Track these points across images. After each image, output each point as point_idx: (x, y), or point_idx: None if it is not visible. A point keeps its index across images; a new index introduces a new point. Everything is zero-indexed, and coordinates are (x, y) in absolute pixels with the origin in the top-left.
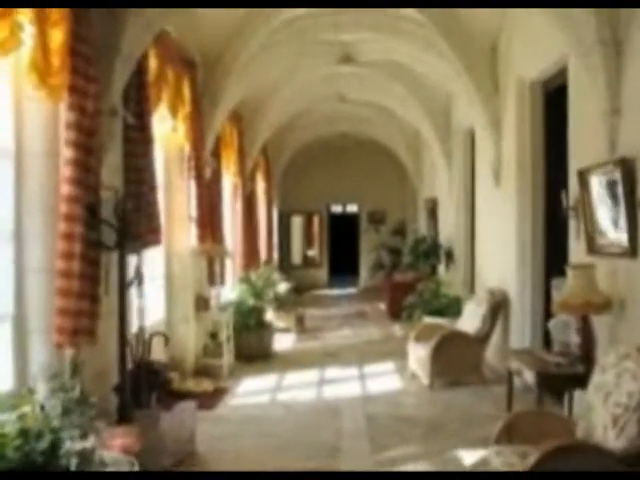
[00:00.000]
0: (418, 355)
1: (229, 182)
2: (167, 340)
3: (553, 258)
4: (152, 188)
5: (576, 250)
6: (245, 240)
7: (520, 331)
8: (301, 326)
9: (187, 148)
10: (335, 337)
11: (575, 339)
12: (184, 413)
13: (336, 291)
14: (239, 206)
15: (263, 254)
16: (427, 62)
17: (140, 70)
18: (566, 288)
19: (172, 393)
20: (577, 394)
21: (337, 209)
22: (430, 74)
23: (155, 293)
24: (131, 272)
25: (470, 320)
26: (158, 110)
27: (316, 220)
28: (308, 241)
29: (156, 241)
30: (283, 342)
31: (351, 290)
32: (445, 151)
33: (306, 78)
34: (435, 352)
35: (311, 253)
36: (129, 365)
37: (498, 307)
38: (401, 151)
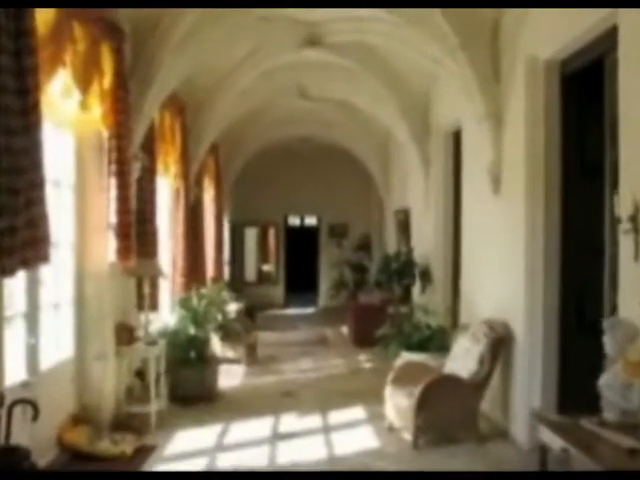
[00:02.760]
0: (398, 403)
1: (167, 186)
2: (36, 412)
3: (578, 286)
4: (37, 182)
5: (634, 278)
6: (187, 255)
7: (526, 377)
8: (252, 357)
9: (106, 136)
10: (292, 370)
11: None
12: None
13: (293, 311)
14: (181, 215)
15: (210, 271)
16: (411, 42)
17: (21, 14)
18: None
19: (79, 457)
20: None
21: (295, 221)
22: (412, 59)
23: (61, 324)
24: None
25: (463, 360)
26: (59, 77)
27: (272, 232)
28: (263, 255)
29: (41, 257)
30: (230, 377)
31: (310, 310)
32: (423, 155)
33: (263, 64)
34: (421, 402)
35: (266, 268)
36: None
37: (499, 344)
38: (367, 157)
